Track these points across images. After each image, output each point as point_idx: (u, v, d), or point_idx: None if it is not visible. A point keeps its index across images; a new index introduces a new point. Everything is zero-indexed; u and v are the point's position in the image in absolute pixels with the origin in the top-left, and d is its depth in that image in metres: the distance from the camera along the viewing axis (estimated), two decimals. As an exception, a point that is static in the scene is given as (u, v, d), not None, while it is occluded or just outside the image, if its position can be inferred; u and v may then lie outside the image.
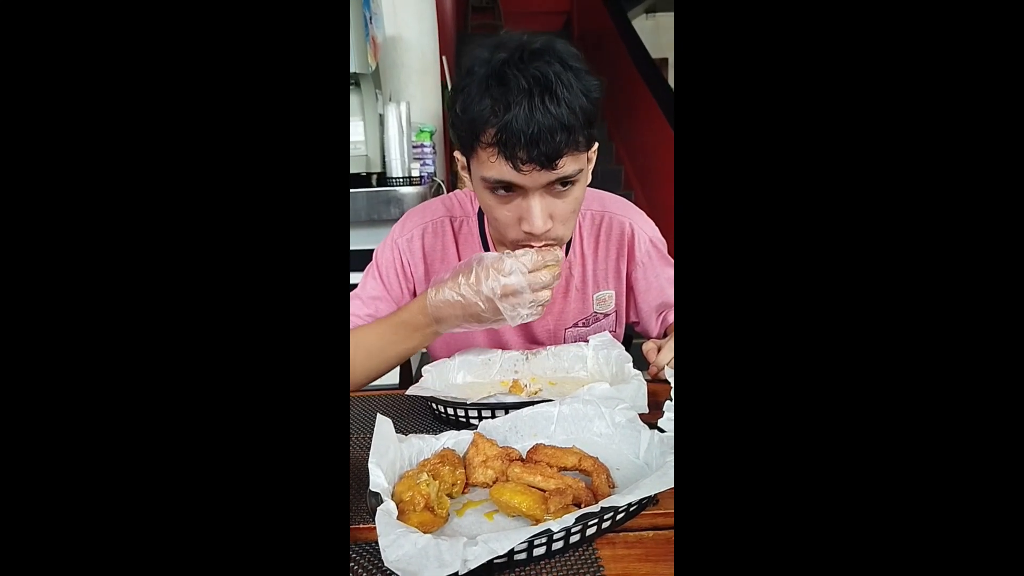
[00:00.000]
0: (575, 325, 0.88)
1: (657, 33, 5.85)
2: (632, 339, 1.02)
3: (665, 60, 5.96)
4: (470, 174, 0.72)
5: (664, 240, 0.91)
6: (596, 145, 0.71)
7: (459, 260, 0.85)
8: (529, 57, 0.62)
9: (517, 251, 0.68)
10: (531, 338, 0.88)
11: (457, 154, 0.74)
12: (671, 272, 0.89)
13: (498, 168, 0.63)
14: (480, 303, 0.67)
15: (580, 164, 0.66)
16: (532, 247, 0.69)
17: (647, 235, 0.88)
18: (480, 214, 0.86)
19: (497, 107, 0.61)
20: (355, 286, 0.89)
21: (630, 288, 0.89)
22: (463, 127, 0.65)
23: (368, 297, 0.85)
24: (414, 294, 0.86)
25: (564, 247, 0.84)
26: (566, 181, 0.66)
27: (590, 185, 0.90)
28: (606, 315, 0.89)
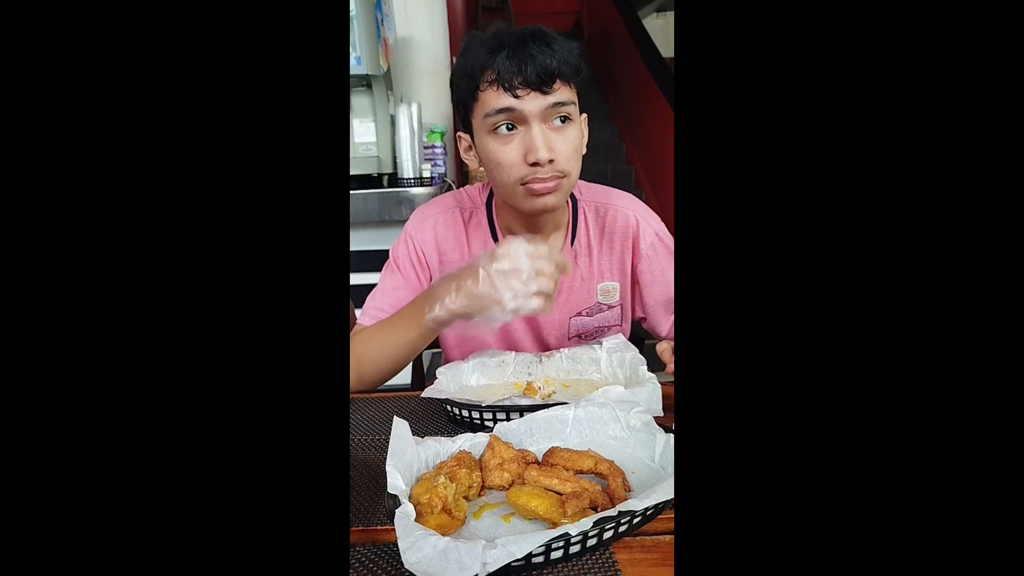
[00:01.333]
0: (579, 314, 0.89)
1: (667, 32, 5.82)
2: (645, 341, 1.02)
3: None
4: (474, 146, 0.77)
5: (671, 236, 0.92)
6: (585, 116, 0.78)
7: (469, 248, 0.87)
8: (519, 29, 0.72)
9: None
10: (536, 328, 0.89)
11: (461, 134, 0.78)
12: None
13: (498, 98, 0.70)
14: (474, 278, 0.64)
15: (573, 97, 0.73)
16: (539, 180, 0.72)
17: (652, 229, 0.89)
18: (488, 203, 0.87)
19: (492, 51, 0.70)
20: (368, 287, 0.90)
21: (636, 281, 0.90)
22: (463, 85, 0.73)
23: (389, 288, 0.87)
24: (431, 281, 0.87)
25: (570, 237, 0.86)
26: (564, 116, 0.72)
27: (599, 181, 0.93)
28: (610, 307, 0.90)
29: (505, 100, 0.70)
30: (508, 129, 0.71)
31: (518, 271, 0.63)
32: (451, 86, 0.77)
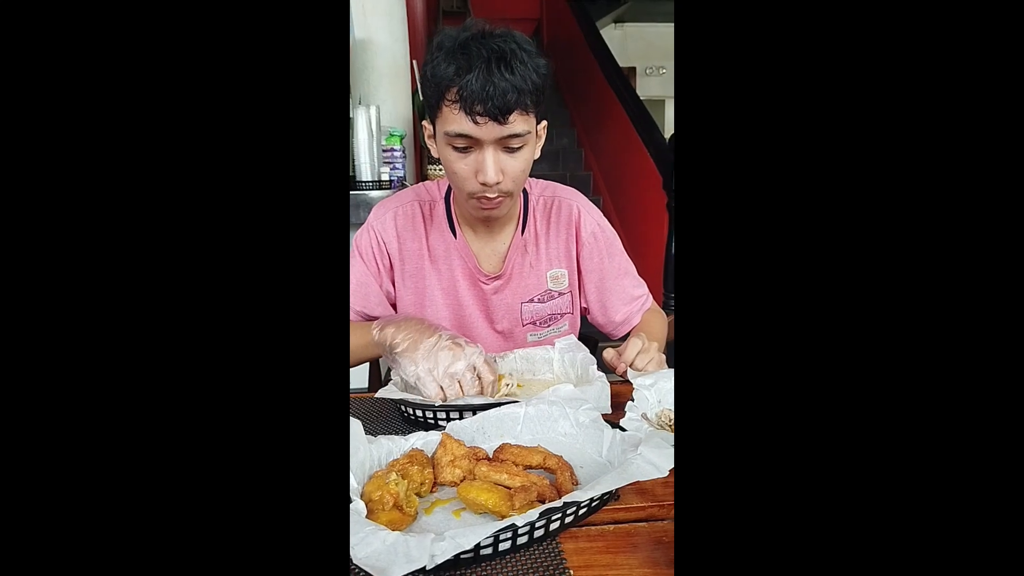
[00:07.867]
0: (531, 300, 0.94)
1: (625, 43, 5.96)
2: (598, 343, 1.05)
3: (633, 69, 6.08)
4: (435, 139, 0.81)
5: (614, 231, 0.98)
6: (545, 123, 0.82)
7: (427, 238, 0.92)
8: (490, 36, 0.74)
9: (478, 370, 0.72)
10: (489, 314, 0.94)
11: (425, 123, 0.83)
12: (621, 263, 0.97)
13: (458, 121, 0.73)
14: (415, 351, 0.72)
15: (529, 126, 0.76)
16: (486, 198, 0.78)
17: (593, 219, 0.96)
18: (447, 197, 0.93)
19: (460, 70, 0.72)
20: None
21: (579, 270, 0.96)
22: (431, 90, 0.76)
23: (355, 284, 0.91)
24: (391, 268, 0.93)
25: (520, 227, 0.93)
26: (516, 143, 0.76)
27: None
28: (561, 293, 0.95)
29: (464, 125, 0.73)
30: (464, 148, 0.76)
31: (437, 359, 0.71)
32: (421, 80, 0.80)
